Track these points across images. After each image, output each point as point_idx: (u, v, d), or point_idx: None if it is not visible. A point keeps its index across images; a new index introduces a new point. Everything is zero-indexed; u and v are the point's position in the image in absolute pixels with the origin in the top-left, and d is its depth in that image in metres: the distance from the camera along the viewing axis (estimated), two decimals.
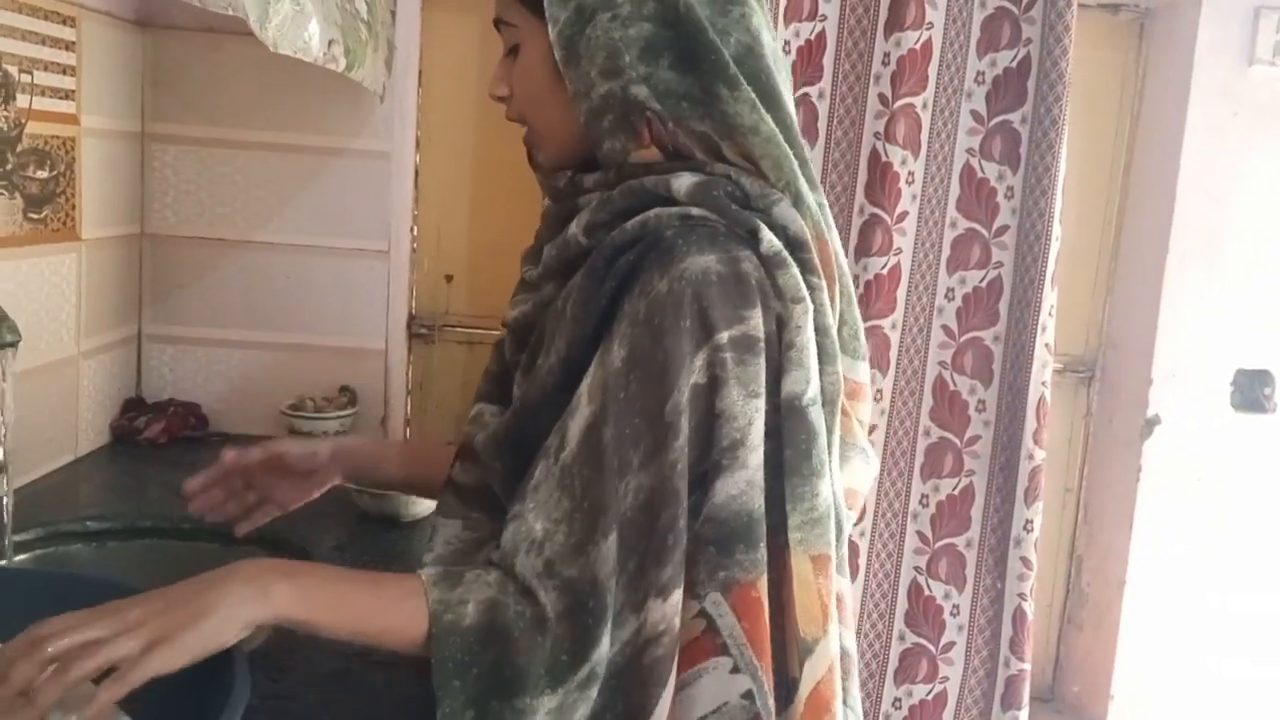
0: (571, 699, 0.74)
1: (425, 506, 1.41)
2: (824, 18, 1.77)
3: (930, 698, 1.91)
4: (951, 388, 1.86)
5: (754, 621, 0.79)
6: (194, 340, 1.84)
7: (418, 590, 0.75)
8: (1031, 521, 1.81)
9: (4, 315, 1.03)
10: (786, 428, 0.82)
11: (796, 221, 0.84)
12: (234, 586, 0.71)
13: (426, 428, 1.99)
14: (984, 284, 1.84)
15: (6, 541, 1.12)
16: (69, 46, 1.51)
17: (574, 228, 0.86)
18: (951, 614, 1.89)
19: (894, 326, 1.82)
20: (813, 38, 1.77)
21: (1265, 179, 1.92)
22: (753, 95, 0.83)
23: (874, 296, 1.79)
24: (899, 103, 1.76)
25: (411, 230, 1.94)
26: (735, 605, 0.79)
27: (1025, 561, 1.83)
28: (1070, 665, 2.15)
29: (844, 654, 0.90)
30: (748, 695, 0.79)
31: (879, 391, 1.82)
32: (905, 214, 1.80)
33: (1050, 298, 1.79)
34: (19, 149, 1.40)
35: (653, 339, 0.77)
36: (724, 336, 0.78)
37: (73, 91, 1.53)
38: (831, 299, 0.88)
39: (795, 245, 0.84)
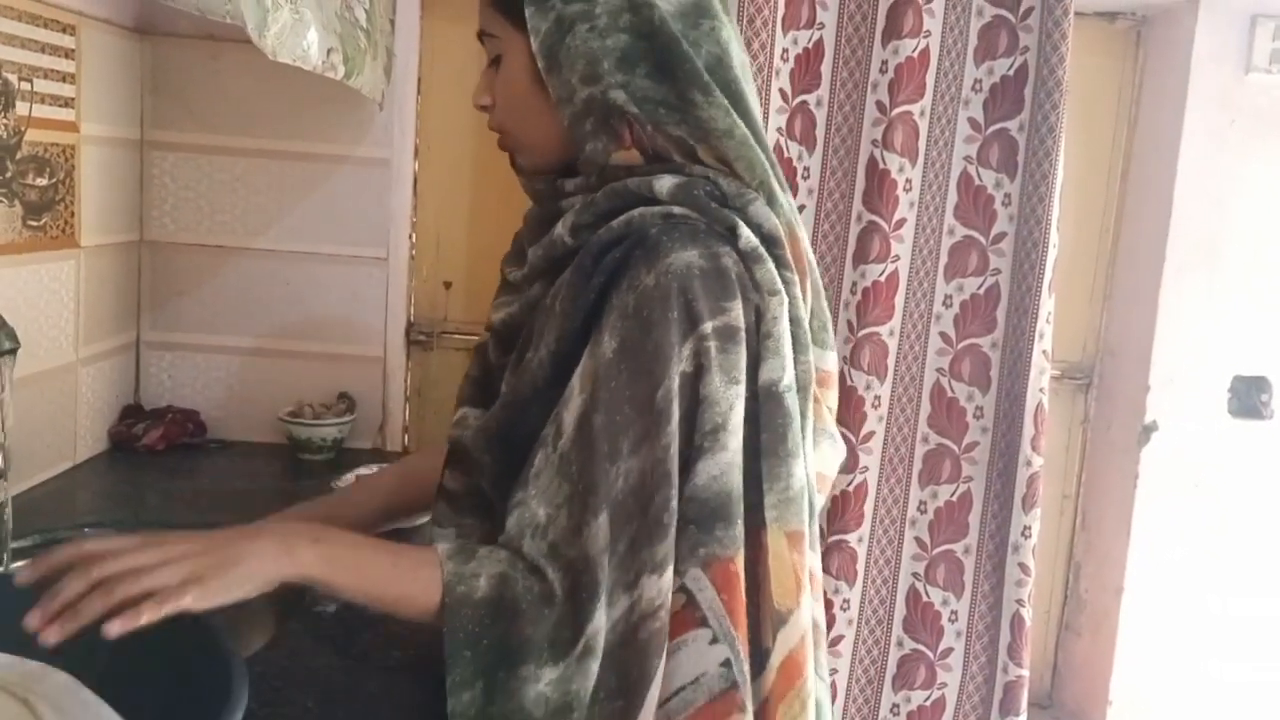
0: (570, 672, 0.78)
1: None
2: (822, 26, 1.78)
3: (928, 704, 1.91)
4: (949, 394, 1.86)
5: (732, 595, 0.83)
6: (193, 347, 1.85)
7: (433, 562, 0.79)
8: (1029, 528, 1.82)
9: (3, 322, 1.03)
10: (764, 412, 0.86)
11: (770, 219, 0.89)
12: (265, 543, 0.76)
13: (424, 434, 1.99)
14: (982, 291, 1.84)
15: (4, 548, 1.12)
16: (69, 54, 1.51)
17: (560, 229, 0.90)
18: (950, 620, 1.89)
19: (892, 333, 1.83)
20: (811, 46, 1.78)
21: (1262, 186, 1.93)
22: (725, 101, 0.88)
23: (872, 303, 1.79)
24: (897, 110, 1.76)
25: (410, 237, 1.94)
26: (715, 580, 0.83)
27: (1023, 567, 1.83)
28: (1068, 671, 2.15)
29: (815, 625, 0.94)
30: (725, 664, 0.83)
31: (877, 398, 1.83)
32: (903, 221, 1.80)
33: (1048, 304, 1.79)
34: (18, 156, 1.40)
35: (642, 330, 0.81)
36: (708, 327, 0.83)
37: (72, 99, 1.53)
38: (803, 292, 0.93)
39: (770, 241, 0.89)
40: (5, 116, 1.37)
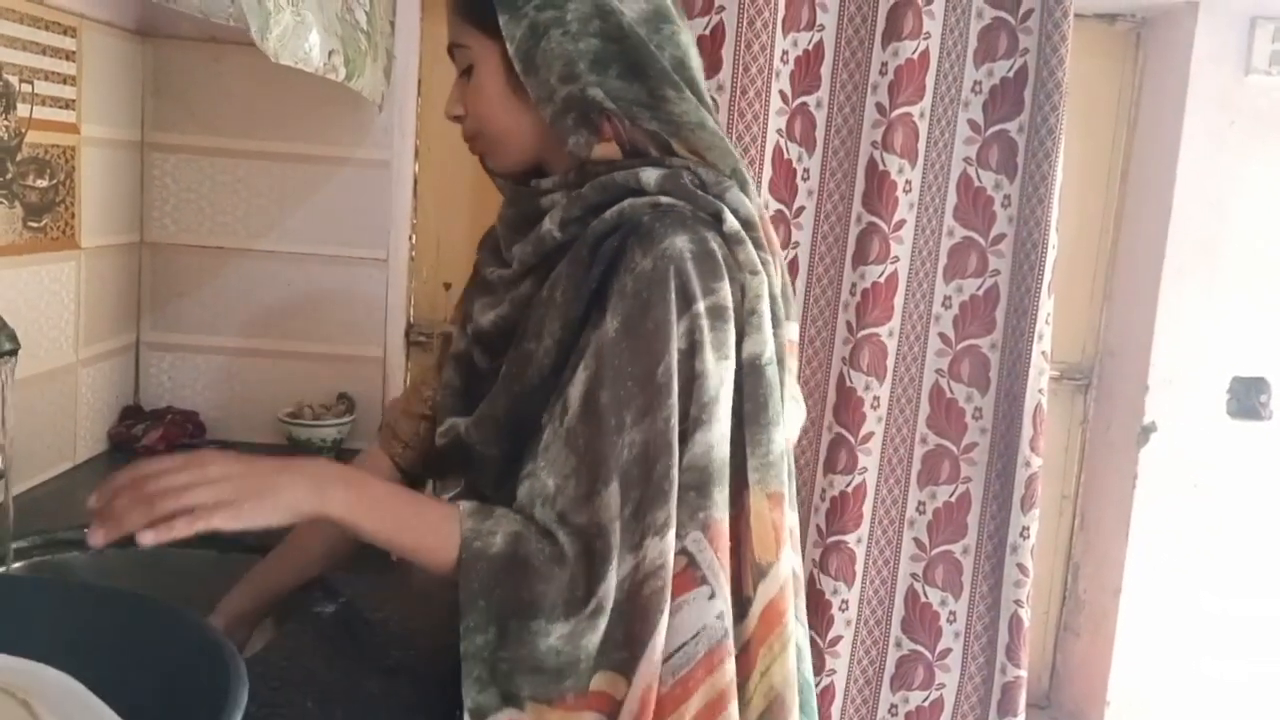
0: (581, 627, 0.83)
1: None
2: (822, 28, 1.78)
3: (927, 704, 1.91)
4: (948, 395, 1.86)
5: (720, 551, 0.90)
6: (192, 348, 1.85)
7: (454, 517, 0.85)
8: (1028, 528, 1.82)
9: (3, 323, 1.04)
10: (748, 384, 0.93)
11: (746, 205, 0.96)
12: (298, 478, 0.81)
13: None
14: (981, 292, 1.84)
15: (5, 548, 1.12)
16: (69, 56, 1.52)
17: (547, 224, 0.95)
18: (948, 621, 1.90)
19: (891, 334, 1.83)
20: (810, 47, 1.78)
21: (1262, 188, 1.93)
22: (693, 97, 0.95)
23: (871, 304, 1.79)
24: (896, 112, 1.77)
25: (410, 238, 1.95)
26: (712, 540, 0.89)
27: (1022, 568, 1.83)
28: (1067, 672, 2.15)
29: (794, 575, 0.99)
30: (720, 615, 0.89)
31: (876, 399, 1.83)
32: (902, 222, 1.81)
33: (1047, 306, 1.79)
34: (19, 158, 1.41)
35: (642, 310, 0.87)
36: (701, 306, 0.88)
37: (73, 101, 1.53)
38: (775, 270, 0.99)
39: (748, 224, 0.95)
40: (6, 118, 1.37)
